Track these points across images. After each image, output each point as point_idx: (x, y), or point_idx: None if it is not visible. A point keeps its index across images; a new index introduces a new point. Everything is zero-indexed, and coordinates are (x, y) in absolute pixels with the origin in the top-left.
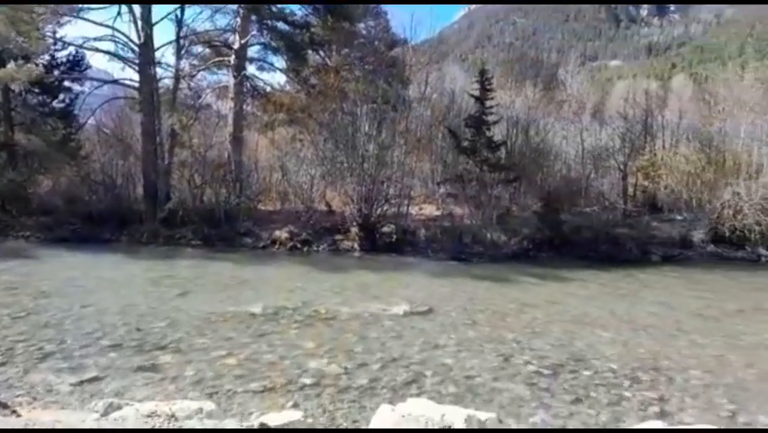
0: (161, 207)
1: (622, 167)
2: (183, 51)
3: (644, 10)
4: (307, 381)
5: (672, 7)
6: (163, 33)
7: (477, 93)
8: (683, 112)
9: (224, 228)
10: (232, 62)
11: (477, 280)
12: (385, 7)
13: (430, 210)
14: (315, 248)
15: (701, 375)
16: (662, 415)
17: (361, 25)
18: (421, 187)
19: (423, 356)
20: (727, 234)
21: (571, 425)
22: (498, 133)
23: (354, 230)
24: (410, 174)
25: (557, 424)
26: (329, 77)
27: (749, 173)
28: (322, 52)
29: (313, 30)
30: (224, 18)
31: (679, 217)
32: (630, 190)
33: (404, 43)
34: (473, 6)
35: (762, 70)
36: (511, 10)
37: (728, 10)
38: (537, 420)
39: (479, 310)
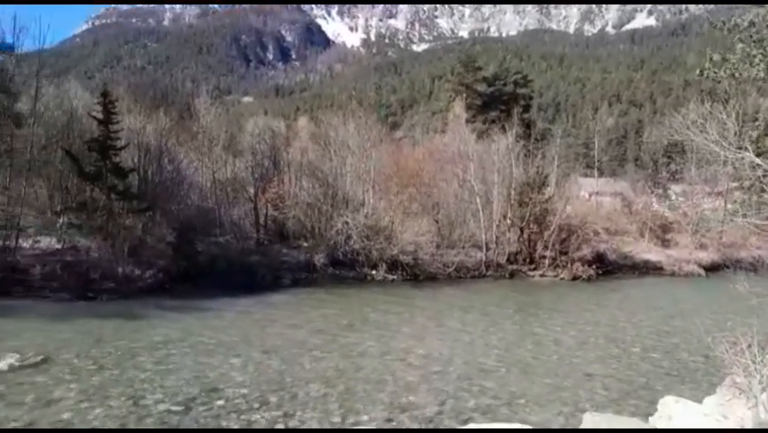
0: None
1: (253, 198)
2: None
3: (270, 54)
4: None
5: (294, 55)
6: None
7: (100, 115)
8: (304, 150)
9: None
10: None
11: (105, 319)
12: None
13: (48, 243)
14: None
15: (319, 387)
16: None
17: None
18: (36, 216)
19: (32, 416)
20: (341, 257)
21: None
22: (128, 159)
23: None
24: (19, 201)
25: None
26: None
27: (355, 206)
28: None
29: None
30: None
31: (304, 244)
32: (262, 220)
33: (8, 49)
34: (97, 22)
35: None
36: (142, 33)
37: (338, 65)
38: None
39: (106, 353)
